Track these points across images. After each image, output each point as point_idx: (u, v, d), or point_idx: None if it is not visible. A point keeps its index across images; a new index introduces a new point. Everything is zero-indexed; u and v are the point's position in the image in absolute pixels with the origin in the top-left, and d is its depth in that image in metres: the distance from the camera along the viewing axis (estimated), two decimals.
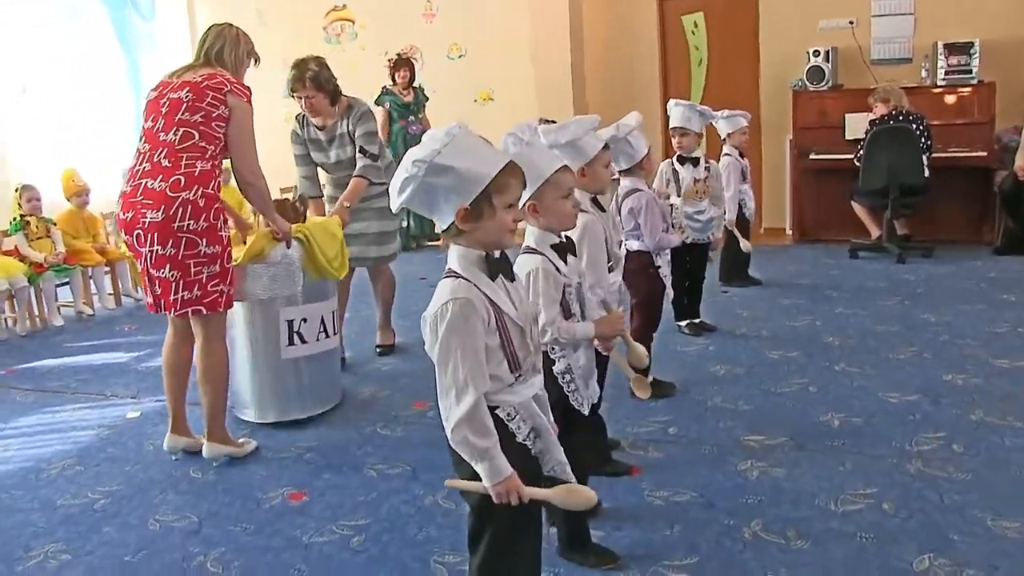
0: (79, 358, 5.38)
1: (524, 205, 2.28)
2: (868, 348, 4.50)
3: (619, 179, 3.79)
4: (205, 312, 3.40)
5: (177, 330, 3.60)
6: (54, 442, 3.92)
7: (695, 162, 4.70)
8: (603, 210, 3.04)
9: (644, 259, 3.79)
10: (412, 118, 8.44)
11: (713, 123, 5.90)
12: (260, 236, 3.71)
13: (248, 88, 3.54)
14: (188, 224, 3.27)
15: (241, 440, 3.69)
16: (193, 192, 3.29)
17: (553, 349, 2.42)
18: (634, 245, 3.82)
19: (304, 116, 4.64)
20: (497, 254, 1.95)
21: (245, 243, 3.81)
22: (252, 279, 3.74)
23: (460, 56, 9.10)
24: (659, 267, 3.78)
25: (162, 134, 3.37)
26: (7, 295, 5.95)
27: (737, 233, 5.70)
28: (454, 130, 1.87)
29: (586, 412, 2.50)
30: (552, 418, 2.06)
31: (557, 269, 2.34)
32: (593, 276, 2.89)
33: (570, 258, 2.41)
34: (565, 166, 2.32)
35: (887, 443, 3.30)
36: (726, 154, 5.84)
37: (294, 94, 4.43)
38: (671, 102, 4.66)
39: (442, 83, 9.05)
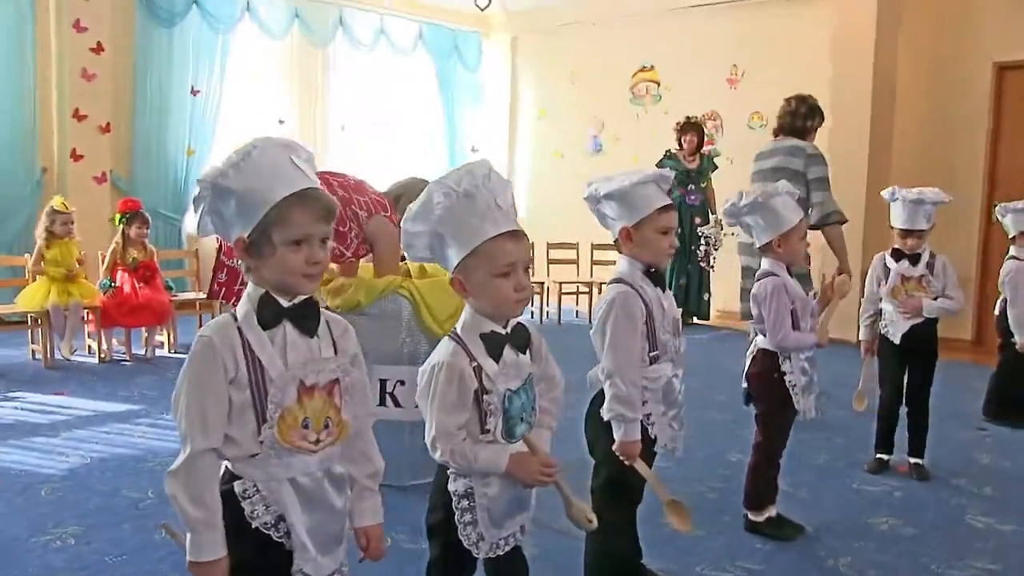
0: None
1: (450, 278, 1.84)
2: None
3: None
4: None
5: None
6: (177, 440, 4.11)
7: (914, 259, 3.71)
8: (658, 285, 2.42)
9: (769, 361, 3.01)
10: (692, 187, 7.95)
11: (1000, 218, 4.75)
12: (358, 286, 3.53)
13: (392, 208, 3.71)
14: None
15: None
16: None
17: (447, 463, 1.81)
18: (760, 342, 3.07)
19: None
20: (298, 299, 1.59)
21: None
22: None
23: (761, 125, 8.40)
24: (785, 373, 2.98)
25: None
26: None
27: None
28: (255, 144, 1.56)
29: (479, 555, 1.83)
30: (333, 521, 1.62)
31: (477, 368, 1.75)
32: (612, 362, 2.33)
33: (511, 356, 1.80)
34: (511, 233, 1.75)
35: None
36: (1012, 257, 4.62)
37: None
38: (886, 192, 3.76)
39: (741, 152, 8.37)
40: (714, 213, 7.86)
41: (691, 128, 8.01)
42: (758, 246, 3.06)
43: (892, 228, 3.78)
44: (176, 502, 1.49)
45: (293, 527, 1.55)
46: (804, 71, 7.85)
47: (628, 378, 2.32)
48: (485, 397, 1.75)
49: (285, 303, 1.57)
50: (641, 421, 2.37)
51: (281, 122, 8.58)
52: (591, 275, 8.45)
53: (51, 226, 5.62)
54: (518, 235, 1.77)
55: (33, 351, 5.85)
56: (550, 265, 8.58)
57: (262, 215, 1.52)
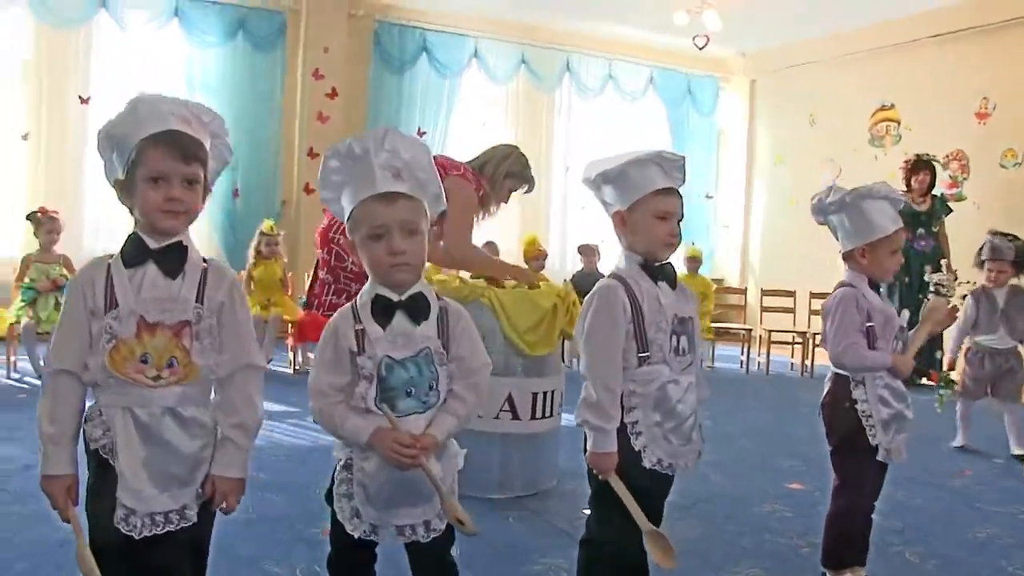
0: None
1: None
2: None
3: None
4: None
5: None
6: (308, 438, 4.39)
7: None
8: (661, 281, 2.16)
9: (840, 387, 2.59)
10: (922, 231, 7.12)
11: None
12: (442, 292, 3.58)
13: (475, 176, 3.60)
14: (338, 238, 3.51)
15: None
16: None
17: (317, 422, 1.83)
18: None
19: None
20: (165, 242, 1.67)
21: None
22: None
23: (1016, 164, 7.38)
24: (856, 400, 2.56)
25: None
26: None
27: None
28: (138, 97, 1.70)
29: (353, 531, 1.77)
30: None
31: (361, 332, 1.74)
32: (585, 363, 2.14)
33: (404, 325, 1.77)
34: (384, 195, 1.72)
35: None
36: None
37: None
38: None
39: (989, 196, 7.49)
40: (946, 259, 6.99)
41: (923, 167, 7.19)
42: (841, 252, 2.68)
43: None
44: (38, 421, 1.63)
45: (118, 455, 1.62)
46: None
47: (601, 381, 2.09)
48: (359, 359, 1.72)
49: (153, 244, 1.66)
50: (627, 430, 2.15)
51: None
52: (808, 325, 7.83)
53: (259, 246, 6.32)
54: (391, 197, 1.72)
55: None
56: (763, 313, 8.08)
57: (128, 153, 1.64)
